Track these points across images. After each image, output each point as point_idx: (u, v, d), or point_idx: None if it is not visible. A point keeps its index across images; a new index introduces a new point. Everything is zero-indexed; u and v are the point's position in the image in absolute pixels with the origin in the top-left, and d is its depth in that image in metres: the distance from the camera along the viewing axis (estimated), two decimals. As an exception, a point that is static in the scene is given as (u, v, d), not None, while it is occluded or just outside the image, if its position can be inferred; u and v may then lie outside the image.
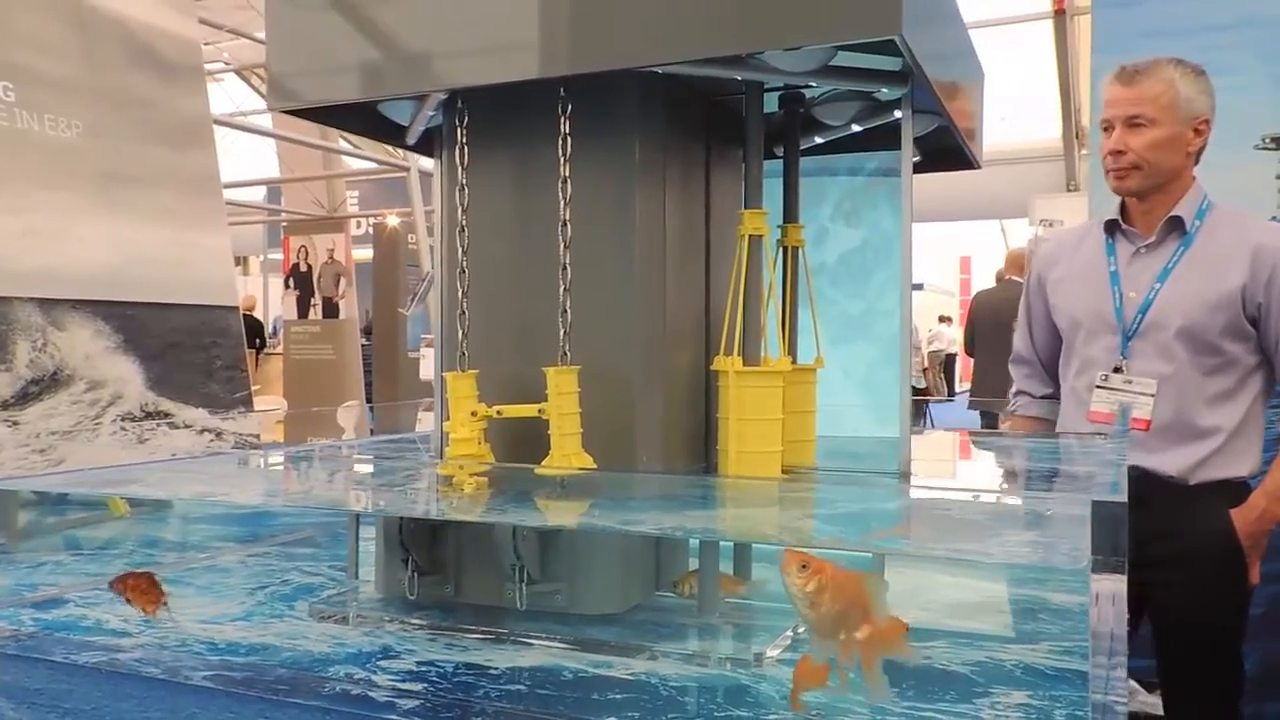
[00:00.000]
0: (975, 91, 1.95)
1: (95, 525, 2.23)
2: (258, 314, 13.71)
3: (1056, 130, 13.03)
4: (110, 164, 4.11)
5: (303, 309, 10.33)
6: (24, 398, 3.72)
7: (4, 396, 3.64)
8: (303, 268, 10.34)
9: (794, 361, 1.76)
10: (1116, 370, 2.18)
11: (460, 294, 1.57)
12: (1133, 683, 2.66)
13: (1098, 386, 2.19)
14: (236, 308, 4.77)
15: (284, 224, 11.04)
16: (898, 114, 1.64)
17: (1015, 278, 6.50)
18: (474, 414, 1.52)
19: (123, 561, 1.93)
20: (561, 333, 1.49)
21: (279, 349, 11.38)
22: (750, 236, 1.60)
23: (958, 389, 15.32)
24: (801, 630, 1.41)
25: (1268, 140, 3.34)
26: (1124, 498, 0.92)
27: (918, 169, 1.95)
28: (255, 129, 9.12)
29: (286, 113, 1.67)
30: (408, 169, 9.13)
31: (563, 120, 1.50)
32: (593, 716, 1.16)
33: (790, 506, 1.50)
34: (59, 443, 3.43)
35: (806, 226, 1.85)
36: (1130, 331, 2.17)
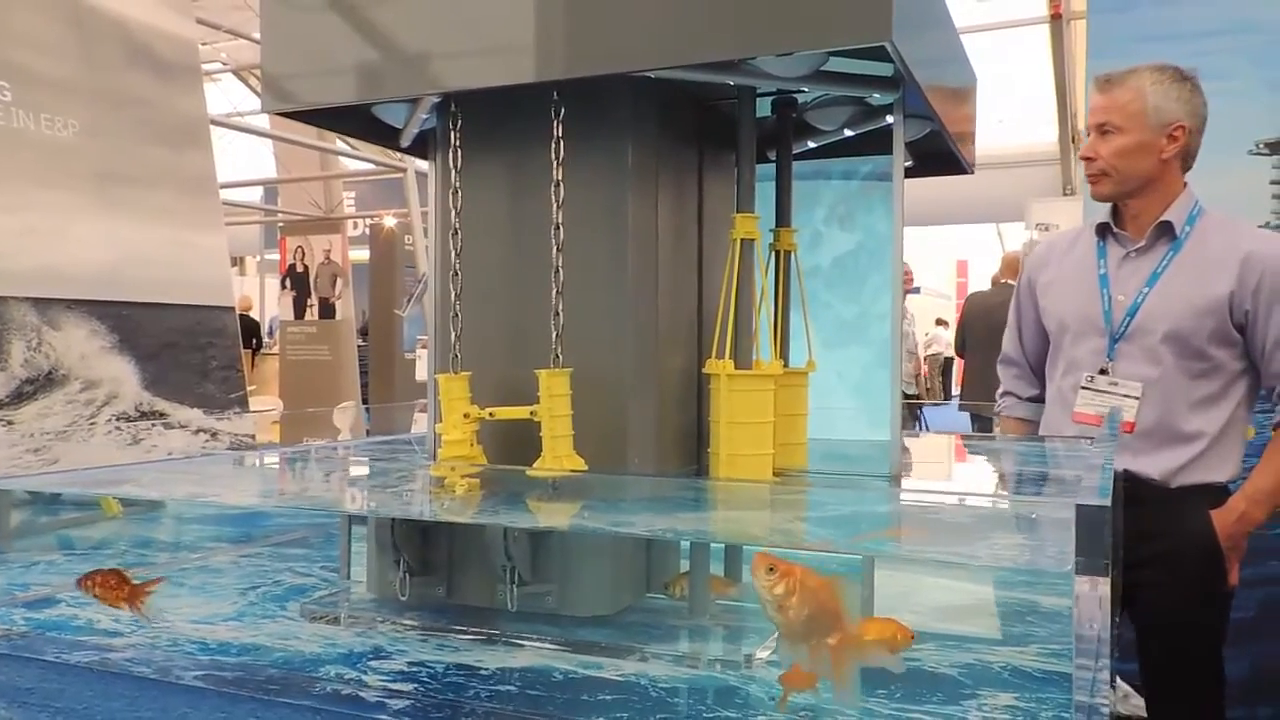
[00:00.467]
0: (967, 96, 1.96)
1: (88, 525, 2.24)
2: (254, 314, 13.71)
3: (1053, 134, 13.06)
4: (107, 164, 4.10)
5: (299, 310, 10.33)
6: (19, 397, 3.72)
7: (-1, 397, 3.64)
8: (299, 268, 10.34)
9: (786, 365, 1.76)
10: (1102, 372, 2.19)
11: (453, 296, 1.58)
12: (1125, 685, 2.67)
13: (1083, 388, 2.21)
14: (232, 308, 4.76)
15: (280, 224, 11.04)
16: (890, 119, 1.65)
17: (1010, 281, 6.52)
18: (466, 416, 1.52)
19: (115, 561, 1.93)
20: (554, 335, 1.50)
21: (275, 349, 11.38)
22: (742, 240, 1.61)
23: (953, 391, 15.32)
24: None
25: (1262, 146, 3.35)
26: (1108, 502, 0.92)
27: (910, 174, 1.97)
28: (252, 129, 9.12)
29: (282, 115, 1.68)
30: (404, 170, 9.13)
31: (556, 124, 1.51)
32: (582, 717, 1.17)
33: (780, 509, 1.51)
34: (53, 442, 3.43)
35: (800, 230, 1.86)
36: (1117, 334, 2.19)
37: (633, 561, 1.55)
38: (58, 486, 1.94)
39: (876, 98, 1.70)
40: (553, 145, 1.51)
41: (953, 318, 16.67)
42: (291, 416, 5.31)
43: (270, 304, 14.46)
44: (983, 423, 6.31)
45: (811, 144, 1.92)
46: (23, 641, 1.47)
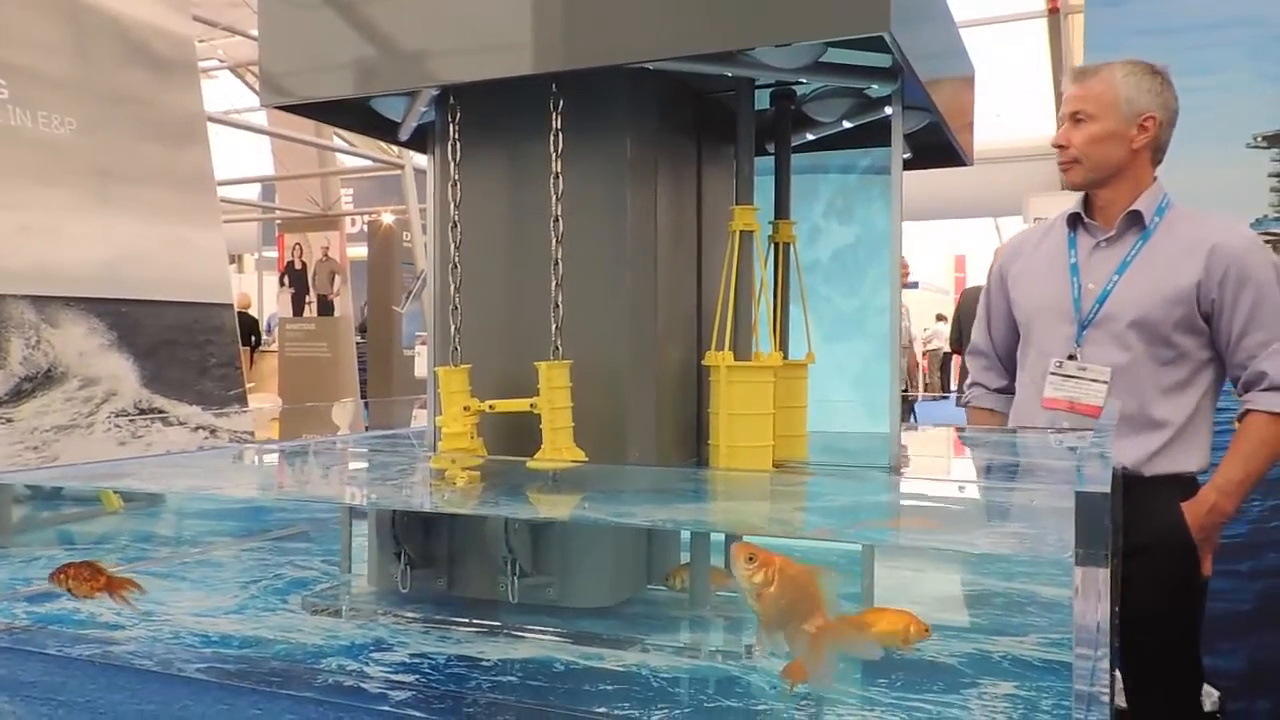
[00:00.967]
0: (966, 88, 1.96)
1: (89, 520, 2.24)
2: (253, 312, 13.71)
3: (1051, 128, 13.05)
4: (104, 161, 4.11)
5: (297, 307, 10.33)
6: (17, 395, 3.72)
7: (-2, 394, 3.64)
8: (297, 265, 10.35)
9: (785, 357, 1.76)
10: (1070, 358, 2.22)
11: (452, 289, 1.58)
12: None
13: (1051, 373, 2.25)
14: (231, 305, 4.77)
15: (279, 221, 11.03)
16: (888, 110, 1.65)
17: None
18: (466, 409, 1.52)
19: (116, 556, 1.94)
20: (553, 327, 1.50)
21: (274, 347, 11.38)
22: (741, 232, 1.61)
23: (952, 387, 15.33)
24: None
25: (1259, 139, 3.35)
26: (1108, 489, 0.93)
27: (909, 166, 1.97)
28: (250, 126, 9.11)
29: (280, 109, 1.68)
30: (402, 166, 9.13)
31: (554, 116, 1.51)
32: (584, 708, 1.17)
33: (780, 499, 1.51)
34: (53, 440, 3.43)
35: (799, 224, 1.87)
36: (1086, 321, 2.23)
37: (633, 553, 1.55)
38: (57, 480, 1.94)
39: (875, 89, 1.70)
40: (551, 137, 1.51)
41: (951, 312, 16.69)
42: (290, 413, 5.32)
43: (269, 301, 14.46)
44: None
45: (810, 136, 1.92)
46: (25, 635, 1.48)
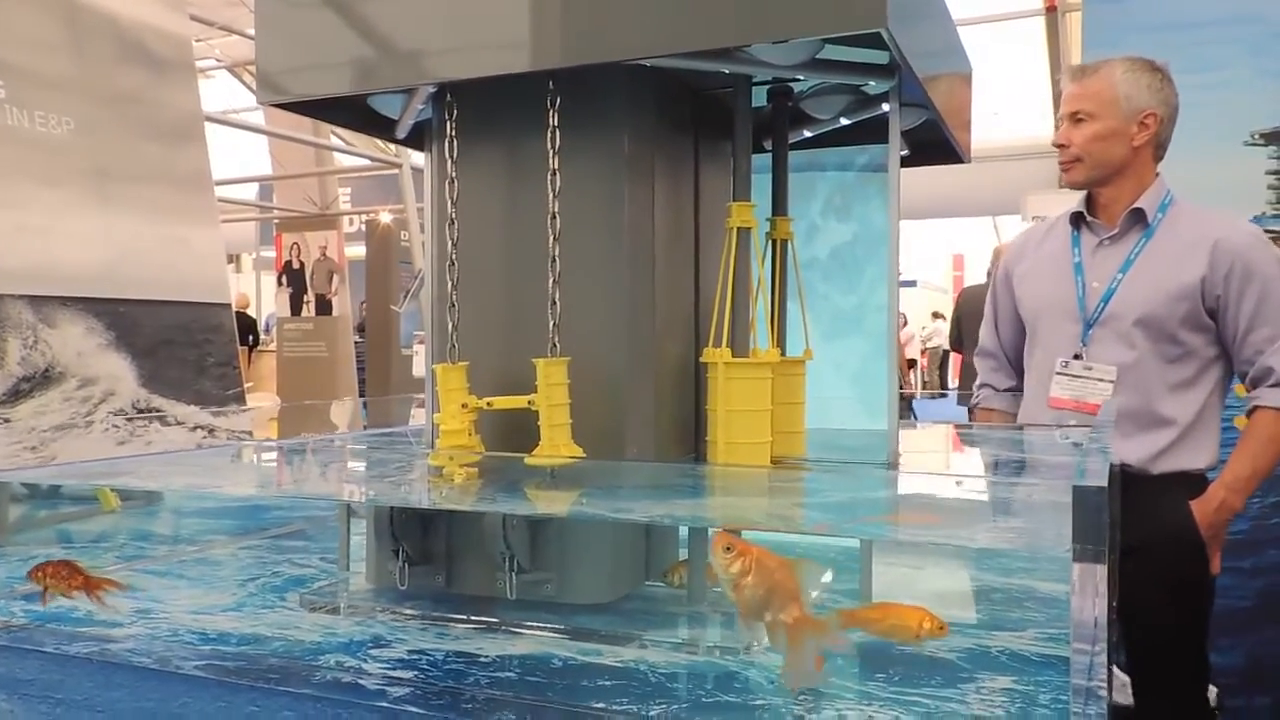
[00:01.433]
0: (963, 85, 1.96)
1: (86, 520, 2.24)
2: (251, 312, 13.69)
3: (1048, 127, 13.05)
4: (102, 161, 4.10)
5: (295, 306, 10.31)
6: (15, 395, 3.72)
7: (-4, 395, 3.63)
8: (295, 265, 10.33)
9: (783, 354, 1.77)
10: (1076, 357, 2.22)
11: (450, 287, 1.58)
12: (1123, 675, 2.67)
13: (1057, 373, 2.24)
14: (229, 304, 4.76)
15: (276, 221, 11.02)
16: (886, 107, 1.65)
17: (1004, 274, 6.49)
18: (464, 406, 1.52)
19: (114, 555, 1.94)
20: (551, 324, 1.50)
21: (272, 346, 11.37)
22: (738, 229, 1.61)
23: (951, 384, 15.34)
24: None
25: (1258, 136, 3.34)
26: (1105, 483, 0.93)
27: (906, 163, 1.97)
28: (247, 125, 9.11)
29: (277, 107, 1.68)
30: (400, 165, 9.12)
31: (551, 113, 1.51)
32: (582, 703, 1.17)
33: (778, 495, 1.51)
34: (51, 440, 3.43)
35: (797, 221, 1.87)
36: (1091, 320, 2.22)
37: (631, 550, 1.55)
38: (55, 478, 1.94)
39: (872, 86, 1.70)
40: (548, 135, 1.51)
41: (949, 311, 16.70)
42: (289, 412, 5.31)
43: (267, 301, 14.44)
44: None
45: (808, 133, 1.93)
46: (23, 634, 1.48)
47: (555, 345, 1.50)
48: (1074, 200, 2.38)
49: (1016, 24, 12.08)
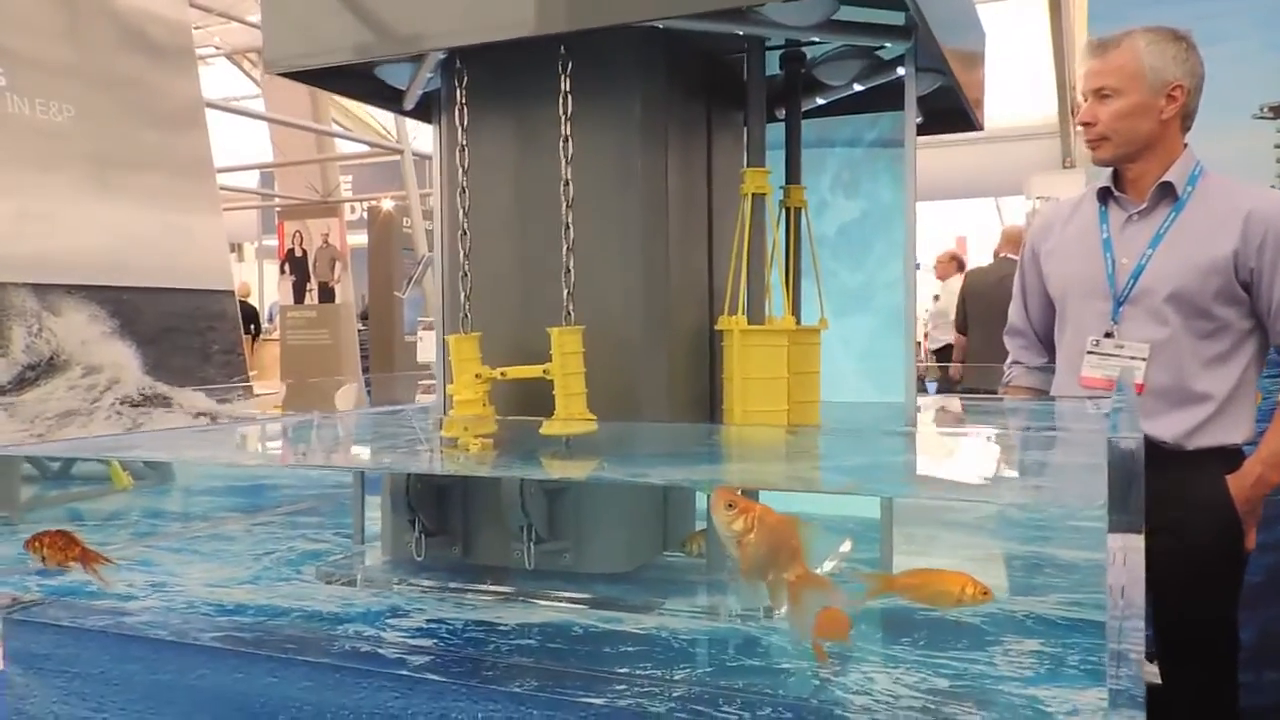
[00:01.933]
0: (977, 49, 1.94)
1: (98, 499, 2.23)
2: (253, 301, 13.67)
3: (1051, 107, 13.01)
4: (103, 148, 4.09)
5: (298, 294, 10.29)
6: (20, 383, 3.71)
7: (0, 382, 3.62)
8: (298, 253, 10.30)
9: (798, 322, 1.75)
10: (1108, 335, 2.19)
11: (461, 256, 1.56)
12: (1149, 665, 2.66)
13: (1089, 352, 2.20)
14: (232, 292, 4.75)
15: (278, 209, 11.01)
16: (901, 72, 1.63)
17: (1011, 255, 6.47)
18: (478, 376, 1.51)
19: (127, 533, 1.93)
20: (565, 293, 1.48)
21: (275, 335, 11.36)
22: (753, 195, 1.59)
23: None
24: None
25: (1266, 109, 3.32)
26: (1140, 437, 0.91)
27: (920, 131, 1.95)
28: (248, 112, 9.08)
29: (284, 77, 1.66)
30: (401, 152, 9.10)
31: (563, 78, 1.49)
32: (605, 668, 1.16)
33: (798, 459, 1.50)
34: (57, 427, 3.42)
35: (805, 197, 1.85)
36: (1122, 297, 2.18)
37: (649, 519, 1.54)
38: (67, 452, 1.93)
39: (888, 49, 1.68)
40: (560, 100, 1.49)
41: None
42: (293, 392, 5.29)
43: (270, 291, 14.42)
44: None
45: (821, 100, 1.90)
46: (37, 608, 1.47)
47: (570, 313, 1.49)
48: (1078, 180, 2.36)
49: (1019, 3, 12.02)
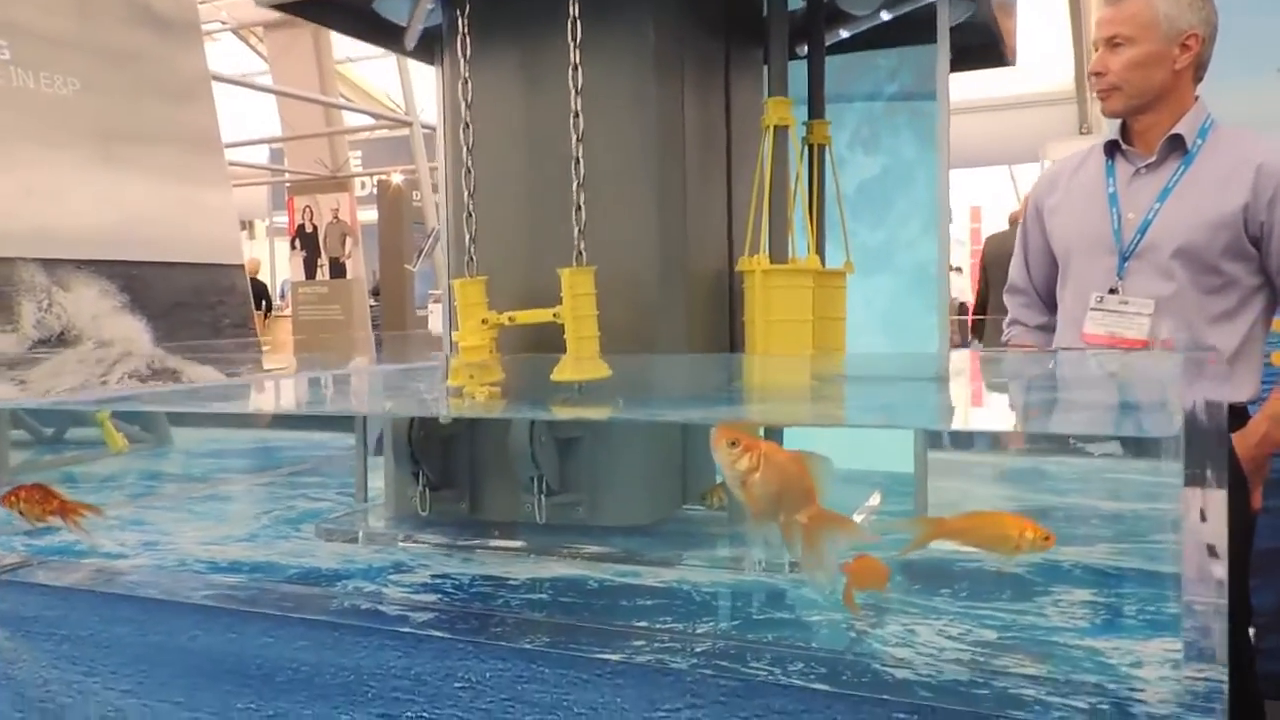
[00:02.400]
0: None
1: (92, 462, 2.16)
2: (264, 278, 13.62)
3: (1068, 76, 12.81)
4: (109, 121, 4.02)
5: (309, 270, 10.23)
6: (33, 359, 3.65)
7: (11, 357, 3.57)
8: (308, 228, 10.24)
9: (823, 265, 1.66)
10: (1112, 291, 2.12)
11: (466, 195, 1.47)
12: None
13: (1093, 309, 2.14)
14: (242, 266, 4.69)
15: (288, 184, 10.94)
16: (927, -2, 1.54)
17: (1029, 219, 6.34)
18: (484, 321, 1.42)
19: (122, 495, 1.85)
20: (575, 231, 1.39)
21: (287, 312, 11.32)
22: (775, 127, 1.49)
23: (968, 338, 15.18)
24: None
25: (1289, 65, 3.23)
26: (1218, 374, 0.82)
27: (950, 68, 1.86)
28: (255, 85, 9.00)
29: (277, 9, 1.57)
30: (409, 124, 9.01)
31: (572, 3, 1.40)
32: (623, 622, 1.08)
33: (824, 401, 1.41)
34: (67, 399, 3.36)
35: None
36: (1127, 252, 2.12)
37: (667, 469, 1.45)
38: (57, 405, 1.86)
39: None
40: (569, 26, 1.40)
41: (967, 264, 16.53)
42: (304, 366, 5.23)
43: (281, 268, 14.36)
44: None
45: (845, 33, 1.80)
46: (24, 569, 1.39)
47: (581, 253, 1.40)
48: (1112, 128, 2.27)
49: (1035, -32, 11.83)
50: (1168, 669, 0.90)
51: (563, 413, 1.37)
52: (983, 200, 21.10)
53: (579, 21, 1.40)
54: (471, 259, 1.47)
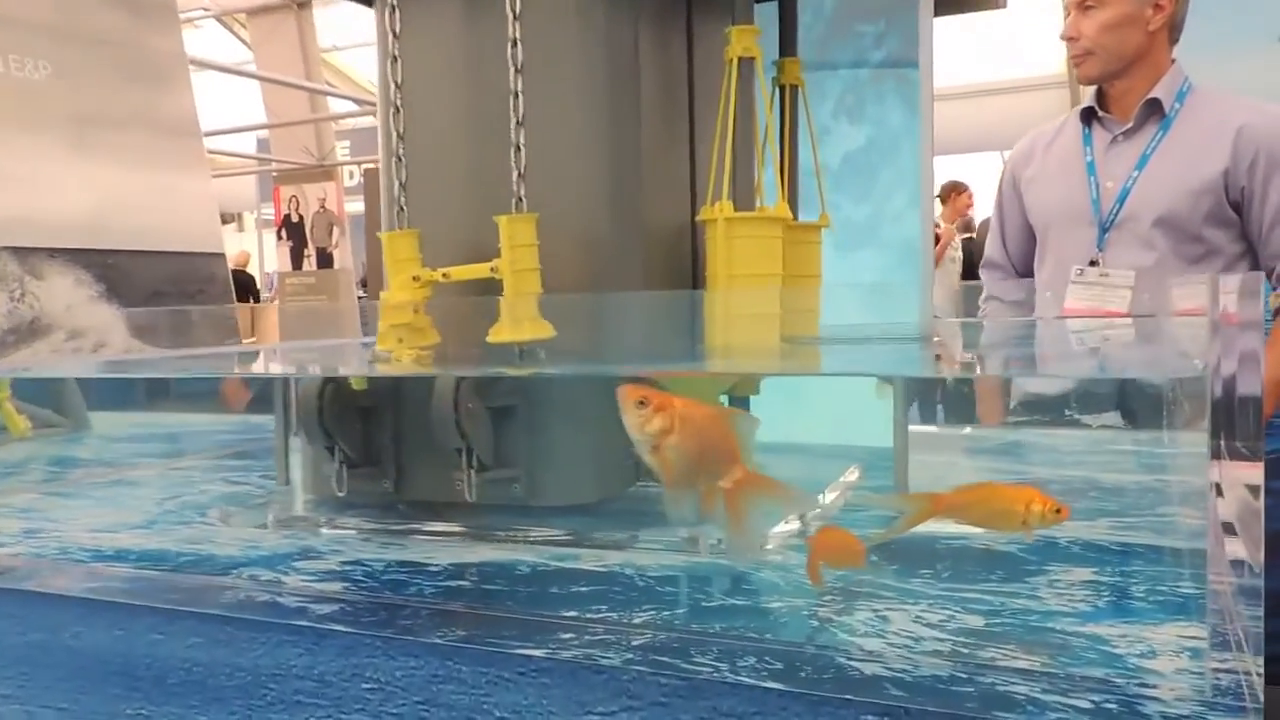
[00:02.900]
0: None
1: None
2: (252, 270, 13.44)
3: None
4: (82, 106, 3.90)
5: (296, 260, 10.08)
6: (1, 347, 3.54)
7: (-21, 345, 3.45)
8: (294, 218, 10.09)
9: (795, 218, 1.51)
10: (1092, 264, 2.03)
11: (395, 137, 1.32)
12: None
13: (1072, 282, 2.08)
14: (222, 254, 4.56)
15: (274, 174, 10.79)
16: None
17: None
18: (416, 278, 1.27)
19: (14, 481, 1.70)
20: (515, 174, 1.24)
21: (276, 303, 11.16)
22: (740, 59, 1.34)
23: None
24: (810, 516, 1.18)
25: (1287, 33, 3.16)
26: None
27: (936, 11, 1.75)
28: (236, 70, 8.85)
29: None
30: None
31: (508, -81, 1.24)
32: (547, 611, 0.93)
33: (793, 359, 1.26)
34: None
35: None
36: (1107, 223, 2.06)
37: (619, 443, 1.30)
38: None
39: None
40: (504, -56, 1.24)
41: (959, 252, 16.39)
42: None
43: (270, 260, 14.17)
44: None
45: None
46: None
47: (521, 199, 1.24)
48: (1088, 95, 2.19)
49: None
50: (1186, 659, 0.76)
51: (469, 370, 1.21)
52: (973, 186, 21.01)
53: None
54: (402, 209, 1.32)
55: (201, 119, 4.52)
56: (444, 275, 1.28)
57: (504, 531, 1.18)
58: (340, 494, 1.25)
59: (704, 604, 0.95)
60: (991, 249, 2.40)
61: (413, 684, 0.91)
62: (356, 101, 9.46)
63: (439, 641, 0.90)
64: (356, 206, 10.70)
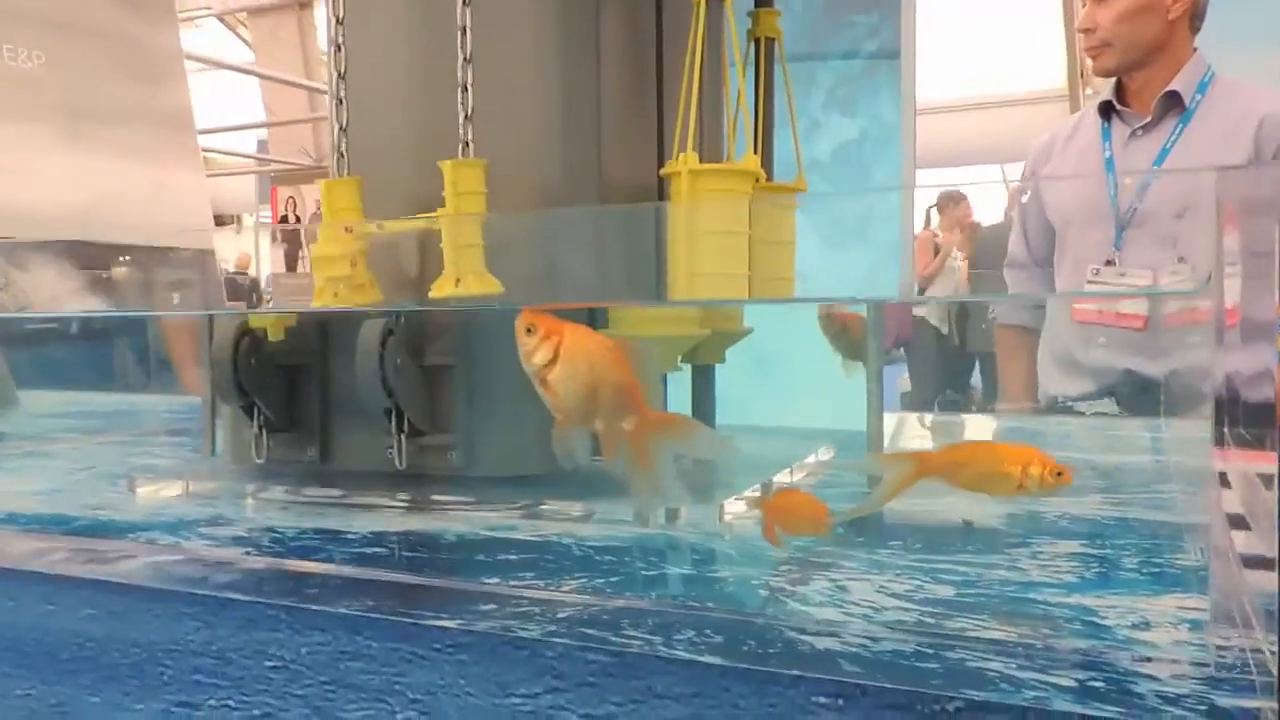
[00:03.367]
0: None
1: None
2: (251, 273, 13.36)
3: (1061, 73, 12.67)
4: (75, 98, 3.84)
5: (291, 263, 10.00)
6: (-19, 338, 3.47)
7: (-45, 338, 3.38)
8: (291, 220, 10.03)
9: (769, 179, 1.41)
10: (1109, 264, 1.95)
11: (336, 78, 1.22)
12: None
13: (1089, 283, 1.99)
14: (213, 252, 4.49)
15: (272, 175, 10.73)
16: None
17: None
18: (348, 229, 1.17)
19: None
20: (461, 117, 1.14)
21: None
22: (707, 0, 1.24)
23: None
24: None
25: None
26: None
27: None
28: (234, 66, 8.78)
29: None
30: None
31: None
32: (471, 582, 0.82)
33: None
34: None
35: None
36: (1125, 221, 1.96)
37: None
38: None
39: None
40: None
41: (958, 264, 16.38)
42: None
43: (267, 264, 14.06)
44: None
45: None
46: None
47: (468, 144, 1.14)
48: (1107, 88, 2.11)
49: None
50: (1185, 631, 0.65)
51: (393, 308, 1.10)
52: (974, 201, 20.98)
53: None
54: (342, 155, 1.22)
55: (201, 119, 4.46)
56: (379, 226, 1.18)
57: (436, 504, 1.07)
58: (259, 460, 1.15)
59: (645, 573, 0.85)
60: (1015, 248, 2.33)
61: (318, 663, 0.81)
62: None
63: (342, 611, 0.80)
64: (353, 209, 10.61)
